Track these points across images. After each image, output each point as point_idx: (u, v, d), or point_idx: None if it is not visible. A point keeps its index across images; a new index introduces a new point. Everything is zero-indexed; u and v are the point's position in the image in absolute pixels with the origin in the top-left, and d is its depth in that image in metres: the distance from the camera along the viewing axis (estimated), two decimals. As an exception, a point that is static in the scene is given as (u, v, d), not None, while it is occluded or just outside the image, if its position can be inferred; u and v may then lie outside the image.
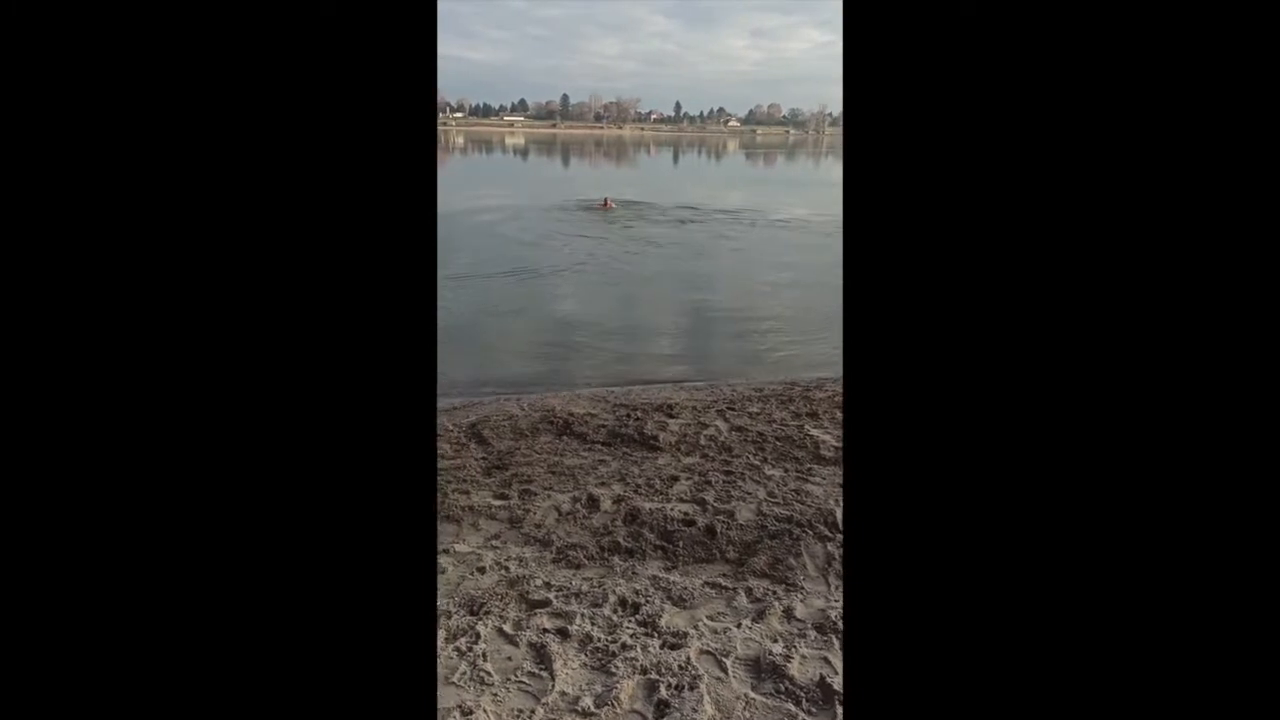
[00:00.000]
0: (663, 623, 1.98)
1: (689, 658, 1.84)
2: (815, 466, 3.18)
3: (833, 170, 36.96)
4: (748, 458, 3.28)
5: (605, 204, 15.47)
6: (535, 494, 2.86)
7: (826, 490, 2.88)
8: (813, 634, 1.94)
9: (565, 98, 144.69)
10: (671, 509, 2.69)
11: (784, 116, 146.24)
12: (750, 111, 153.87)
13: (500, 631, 1.94)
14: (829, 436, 3.52)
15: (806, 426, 3.68)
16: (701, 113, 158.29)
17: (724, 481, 2.98)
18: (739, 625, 1.98)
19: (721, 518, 2.62)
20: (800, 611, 2.04)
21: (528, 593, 2.13)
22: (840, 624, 1.96)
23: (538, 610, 2.04)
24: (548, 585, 2.18)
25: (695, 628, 1.96)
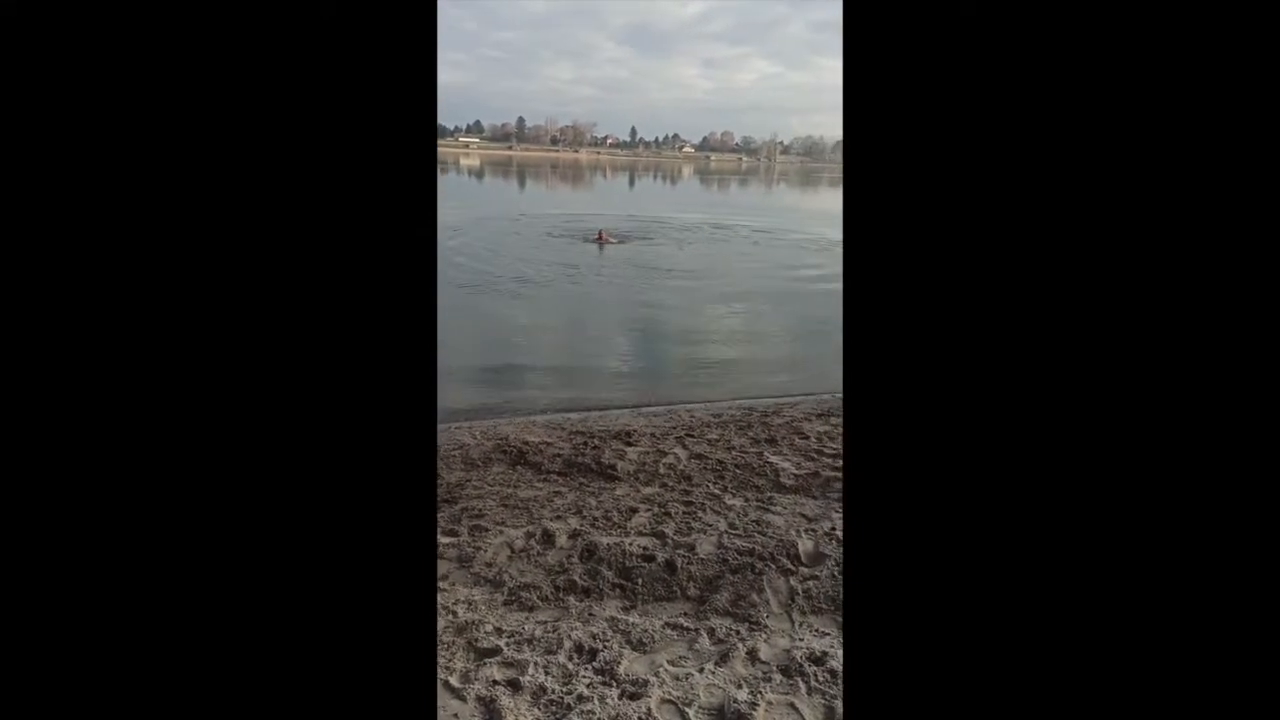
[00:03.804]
0: (621, 670, 1.86)
1: (649, 709, 1.73)
2: (776, 495, 3.12)
3: (785, 196, 38.01)
4: (708, 487, 3.21)
5: (600, 237, 12.28)
6: (486, 529, 2.71)
7: (788, 520, 2.82)
8: (778, 678, 1.85)
9: (521, 120, 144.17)
10: (630, 543, 2.59)
11: (737, 144, 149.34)
12: (705, 138, 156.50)
13: (446, 685, 1.80)
14: (788, 464, 3.48)
15: (766, 453, 3.64)
16: (657, 138, 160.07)
17: (684, 513, 2.90)
18: (701, 670, 1.88)
19: (682, 551, 2.53)
20: (765, 653, 1.95)
21: (476, 640, 1.99)
22: (805, 667, 1.88)
23: (487, 660, 1.90)
24: (499, 631, 2.04)
25: (656, 674, 1.86)
